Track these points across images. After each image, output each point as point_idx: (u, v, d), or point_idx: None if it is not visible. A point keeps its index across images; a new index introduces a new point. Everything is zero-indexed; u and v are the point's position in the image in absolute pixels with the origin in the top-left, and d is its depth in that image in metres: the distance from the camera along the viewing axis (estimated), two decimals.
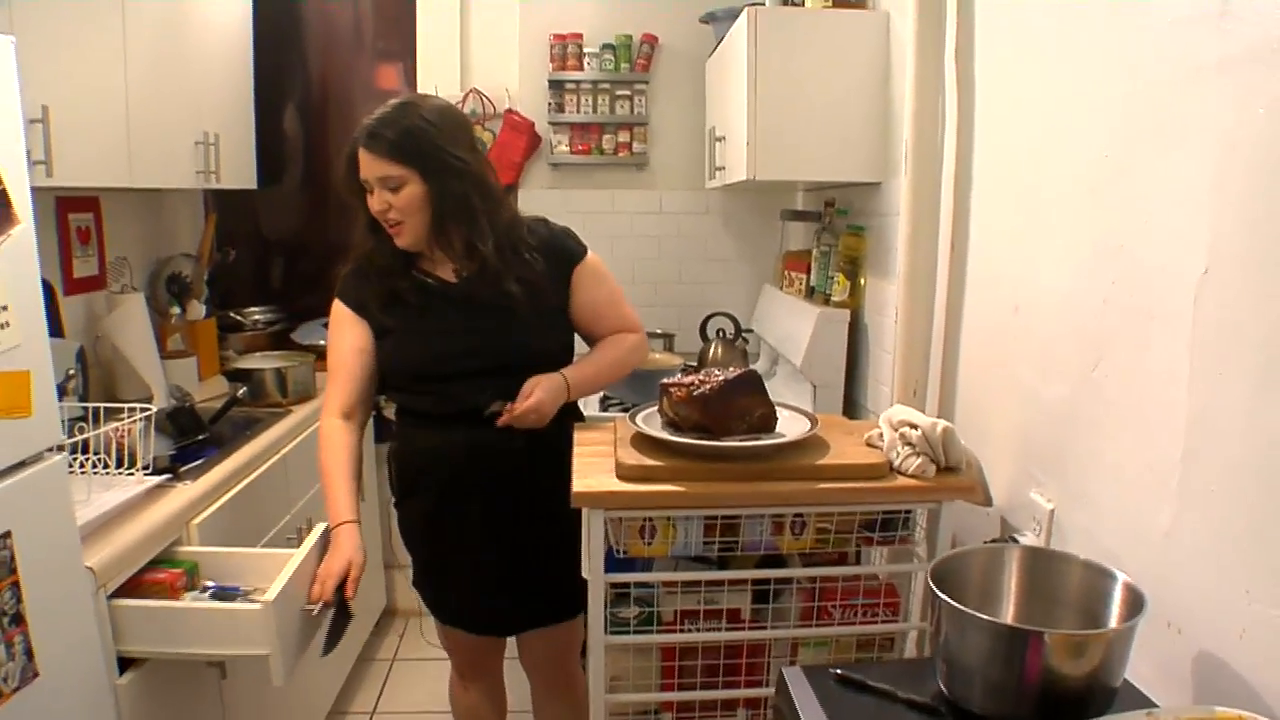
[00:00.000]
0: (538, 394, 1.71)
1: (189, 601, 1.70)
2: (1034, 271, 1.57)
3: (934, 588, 1.11)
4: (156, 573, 1.73)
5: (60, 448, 1.45)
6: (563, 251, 1.86)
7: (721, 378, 1.61)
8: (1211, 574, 1.13)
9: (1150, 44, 1.24)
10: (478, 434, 1.74)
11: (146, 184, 2.37)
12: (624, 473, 1.53)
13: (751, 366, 3.08)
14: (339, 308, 1.82)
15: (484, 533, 1.81)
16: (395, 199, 1.68)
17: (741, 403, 1.61)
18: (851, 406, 2.54)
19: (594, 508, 1.50)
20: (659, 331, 3.17)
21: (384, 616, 3.23)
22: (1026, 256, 1.60)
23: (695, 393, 1.59)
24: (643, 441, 1.62)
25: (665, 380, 1.67)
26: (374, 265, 1.79)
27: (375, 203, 1.70)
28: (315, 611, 1.63)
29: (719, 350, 3.01)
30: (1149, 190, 1.25)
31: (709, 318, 3.11)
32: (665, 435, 1.59)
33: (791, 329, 2.67)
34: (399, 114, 1.70)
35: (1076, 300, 1.42)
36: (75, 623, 1.47)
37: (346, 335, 1.81)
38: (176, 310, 2.83)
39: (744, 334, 3.09)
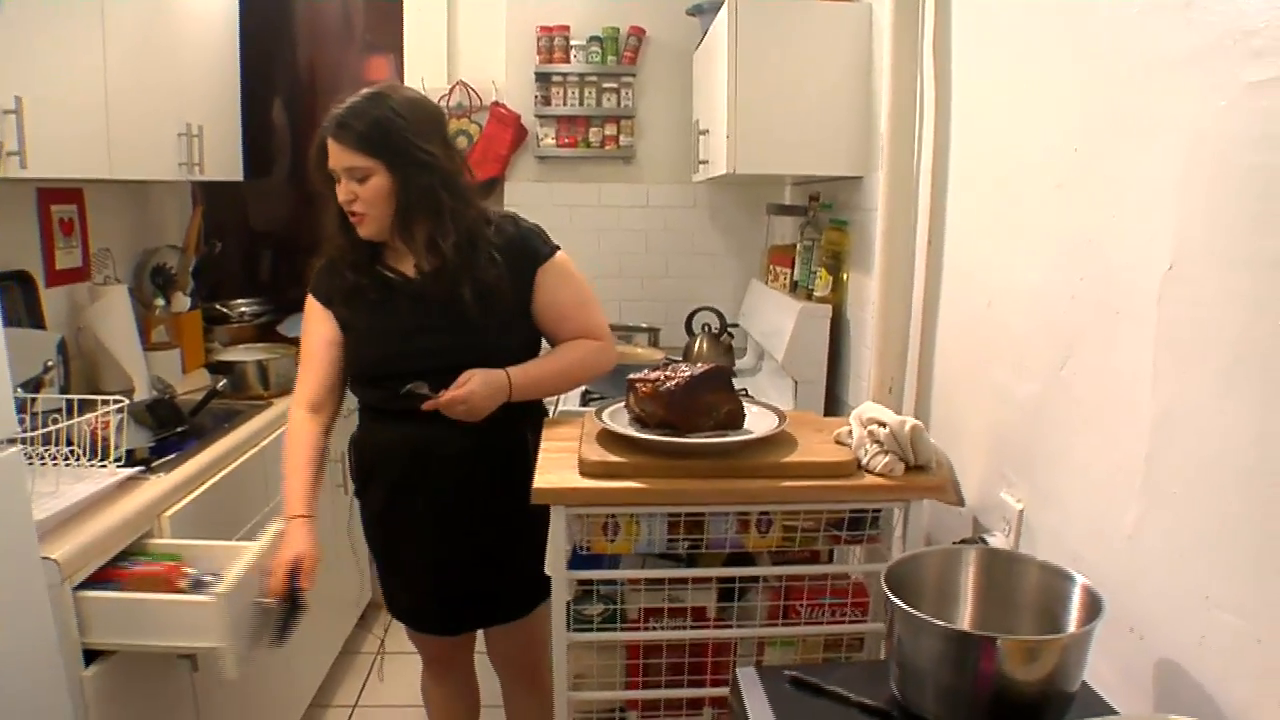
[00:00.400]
0: (470, 385, 1.65)
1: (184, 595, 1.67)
2: (1007, 267, 1.53)
3: (886, 590, 1.07)
4: (152, 565, 1.70)
5: (17, 440, 1.42)
6: (526, 251, 1.79)
7: (688, 373, 1.58)
8: (1173, 578, 1.09)
9: (1119, 35, 1.20)
10: (427, 432, 1.71)
11: (126, 175, 2.34)
12: (586, 469, 1.50)
13: (738, 361, 3.06)
14: (311, 302, 1.81)
15: (432, 533, 1.78)
16: (361, 190, 1.65)
17: (708, 399, 1.58)
18: (834, 403, 2.50)
19: (554, 504, 1.47)
20: (644, 326, 3.14)
21: (368, 610, 3.19)
22: (999, 252, 1.56)
23: (661, 388, 1.56)
24: (608, 437, 1.59)
25: (632, 375, 1.63)
26: (343, 258, 1.76)
27: (342, 192, 1.68)
28: (268, 605, 1.61)
29: (704, 345, 2.98)
30: (1117, 185, 1.21)
31: (694, 312, 3.08)
32: (629, 431, 1.56)
33: (775, 324, 2.63)
34: (369, 104, 1.67)
35: (1046, 296, 1.39)
36: (33, 616, 1.45)
37: (318, 327, 1.79)
38: (161, 302, 2.80)
39: (729, 329, 3.05)
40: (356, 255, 1.75)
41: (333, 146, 1.65)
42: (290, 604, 1.63)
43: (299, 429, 1.74)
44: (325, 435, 1.77)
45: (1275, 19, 0.92)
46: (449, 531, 1.78)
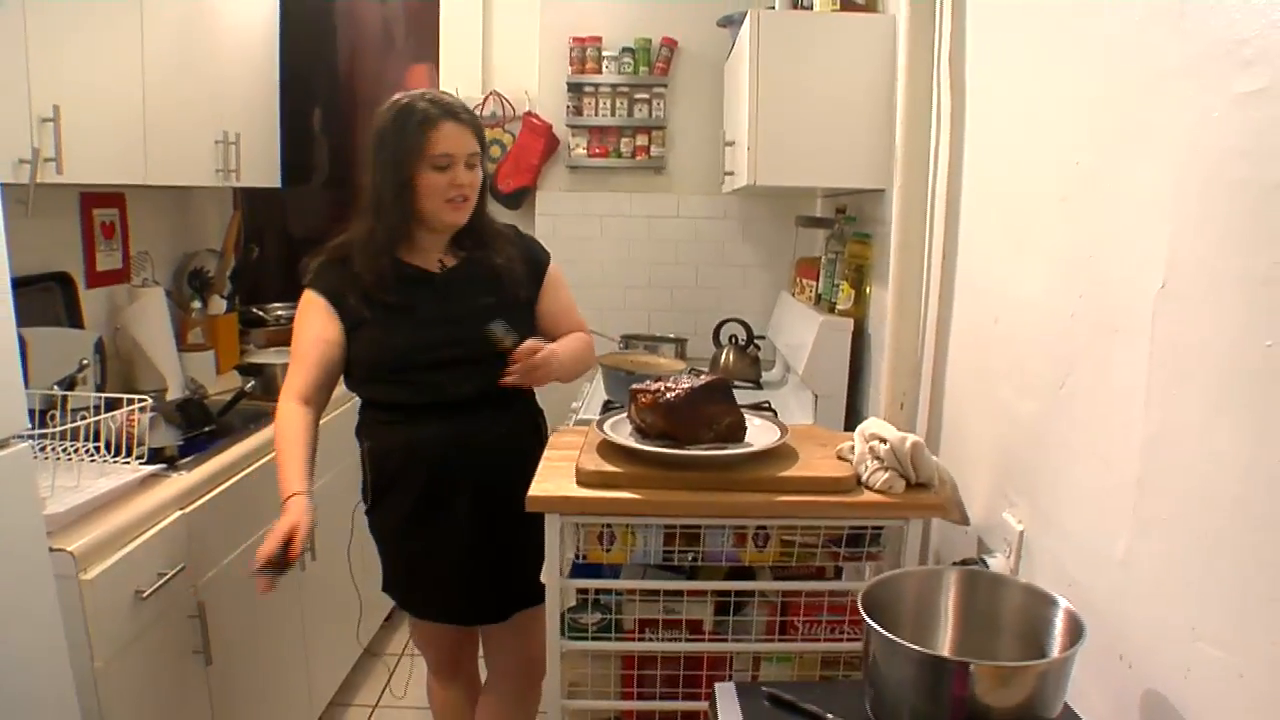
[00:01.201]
0: (551, 346, 1.77)
1: None
2: (1012, 282, 1.50)
3: (861, 610, 1.05)
4: None
5: (27, 435, 1.46)
6: (535, 254, 1.95)
7: (689, 385, 1.57)
8: (1161, 607, 1.05)
9: (1119, 46, 1.17)
10: (464, 423, 1.78)
11: (162, 182, 2.40)
12: (583, 478, 1.49)
13: (764, 374, 3.03)
14: (311, 297, 1.82)
15: (468, 523, 1.80)
16: (470, 177, 1.76)
17: (709, 411, 1.57)
18: (854, 417, 2.46)
19: (549, 512, 1.47)
20: (671, 336, 3.13)
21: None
22: (1007, 266, 1.53)
23: (661, 400, 1.55)
24: (608, 447, 1.58)
25: (635, 386, 1.63)
26: (379, 251, 1.78)
27: (461, 176, 1.74)
28: (257, 569, 1.59)
29: (730, 357, 2.97)
30: (1115, 199, 1.18)
31: (722, 323, 3.06)
32: (627, 441, 1.55)
33: (799, 337, 2.61)
34: (461, 100, 1.81)
35: (1048, 313, 1.35)
36: (42, 610, 1.48)
37: (314, 323, 1.80)
38: (197, 305, 2.88)
39: (756, 341, 3.03)
40: (386, 249, 1.78)
41: (456, 130, 1.73)
42: (277, 570, 1.59)
43: (292, 415, 1.73)
44: (318, 425, 1.78)
45: (1266, 27, 0.89)
46: (484, 519, 1.80)
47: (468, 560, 1.83)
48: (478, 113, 3.19)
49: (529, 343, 1.75)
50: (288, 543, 1.58)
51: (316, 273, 1.82)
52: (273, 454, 2.29)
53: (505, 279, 1.85)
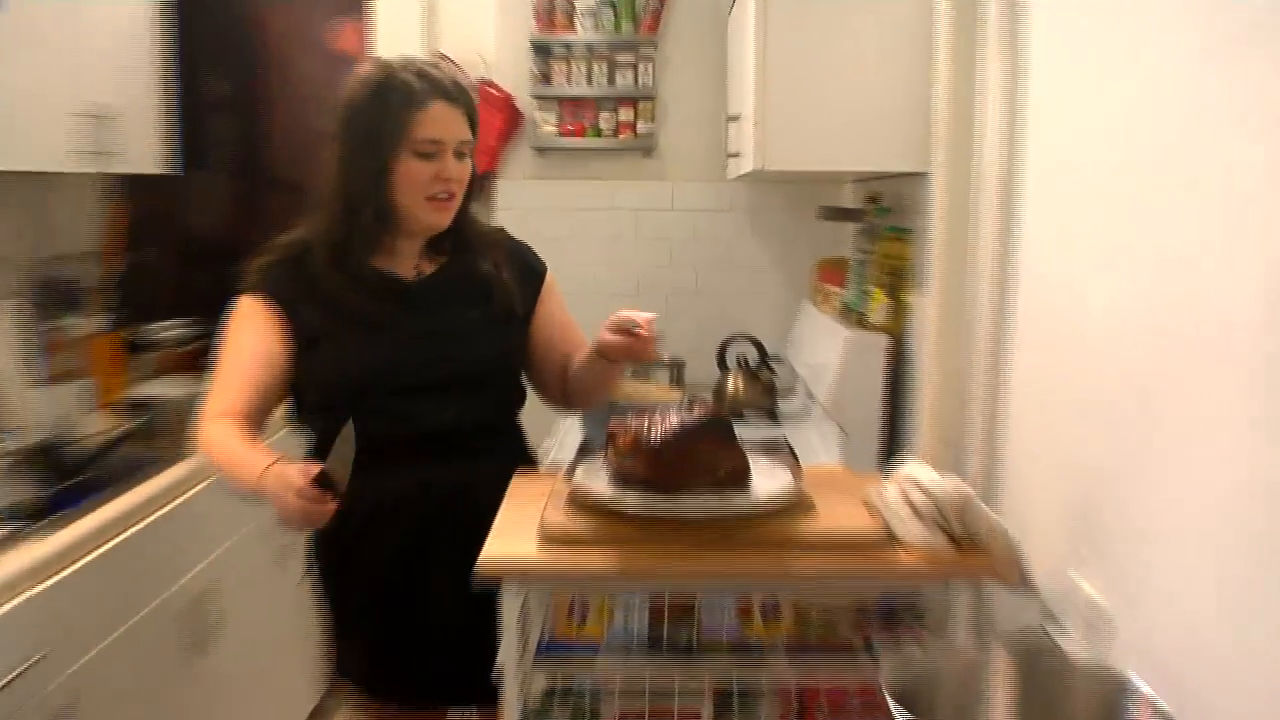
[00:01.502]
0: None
1: None
2: (1085, 288, 1.50)
3: (890, 701, 1.05)
4: None
5: None
6: (530, 261, 2.01)
7: (678, 421, 1.57)
8: (1270, 697, 1.05)
9: None
10: (440, 462, 1.80)
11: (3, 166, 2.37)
12: (548, 536, 1.50)
13: (782, 403, 3.04)
14: (252, 304, 1.80)
15: (462, 580, 1.72)
16: (459, 169, 1.79)
17: (703, 453, 1.57)
18: (893, 457, 2.47)
19: (505, 578, 1.47)
20: (665, 358, 3.14)
21: (324, 701, 3.21)
22: (1077, 268, 1.53)
23: (643, 440, 1.55)
24: (581, 499, 1.58)
25: (615, 423, 1.63)
26: (333, 249, 1.78)
27: (449, 168, 1.77)
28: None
29: (739, 383, 2.97)
30: (1205, 189, 1.19)
31: (728, 341, 3.07)
32: (601, 493, 1.55)
33: (820, 356, 2.63)
34: (452, 74, 1.84)
35: (1130, 328, 1.36)
36: None
37: (253, 335, 1.78)
38: (67, 323, 2.87)
39: (770, 363, 3.04)
40: (355, 250, 1.79)
41: (450, 113, 1.76)
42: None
43: (223, 428, 1.66)
44: None
45: None
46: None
47: (462, 624, 1.78)
48: None
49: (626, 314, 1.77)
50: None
51: (262, 275, 1.82)
52: (168, 508, 2.32)
53: (495, 290, 1.89)
